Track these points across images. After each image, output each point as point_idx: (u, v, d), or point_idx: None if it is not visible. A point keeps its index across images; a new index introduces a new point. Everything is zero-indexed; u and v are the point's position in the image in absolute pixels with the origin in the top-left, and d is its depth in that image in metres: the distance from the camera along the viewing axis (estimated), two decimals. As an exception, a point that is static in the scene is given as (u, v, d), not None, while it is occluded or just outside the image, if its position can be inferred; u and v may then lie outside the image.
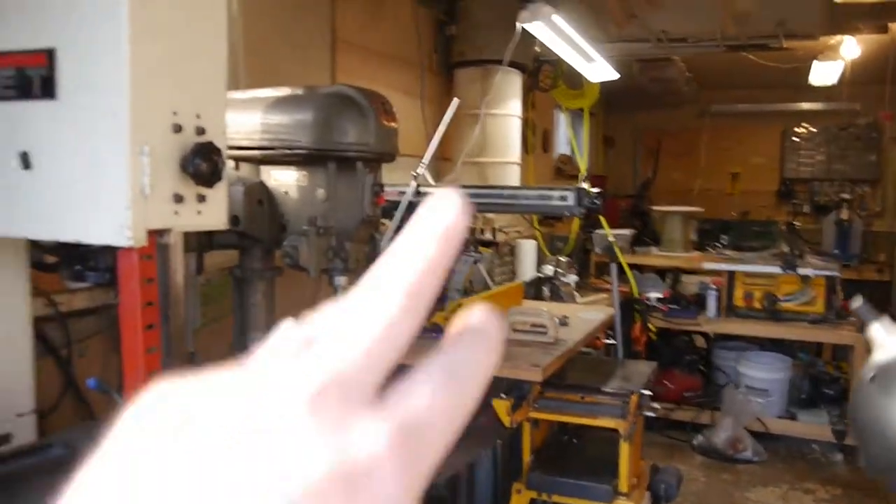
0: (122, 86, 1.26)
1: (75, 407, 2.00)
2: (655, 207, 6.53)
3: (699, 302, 5.35)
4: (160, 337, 1.35)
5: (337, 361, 0.25)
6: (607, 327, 3.72)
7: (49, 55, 1.35)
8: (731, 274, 5.23)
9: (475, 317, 0.29)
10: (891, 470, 0.45)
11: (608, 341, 3.92)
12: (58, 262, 1.68)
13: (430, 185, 3.17)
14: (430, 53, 4.57)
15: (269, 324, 2.36)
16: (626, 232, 5.79)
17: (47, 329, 2.00)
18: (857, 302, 0.53)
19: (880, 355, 0.48)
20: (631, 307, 5.11)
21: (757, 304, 5.09)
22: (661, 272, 5.92)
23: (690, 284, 5.83)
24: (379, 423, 0.25)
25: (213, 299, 2.52)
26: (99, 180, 1.29)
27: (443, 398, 0.27)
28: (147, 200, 1.29)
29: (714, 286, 5.22)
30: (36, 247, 1.67)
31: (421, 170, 3.08)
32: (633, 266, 5.61)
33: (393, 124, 2.25)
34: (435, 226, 0.28)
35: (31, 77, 1.37)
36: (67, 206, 1.32)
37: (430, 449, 0.26)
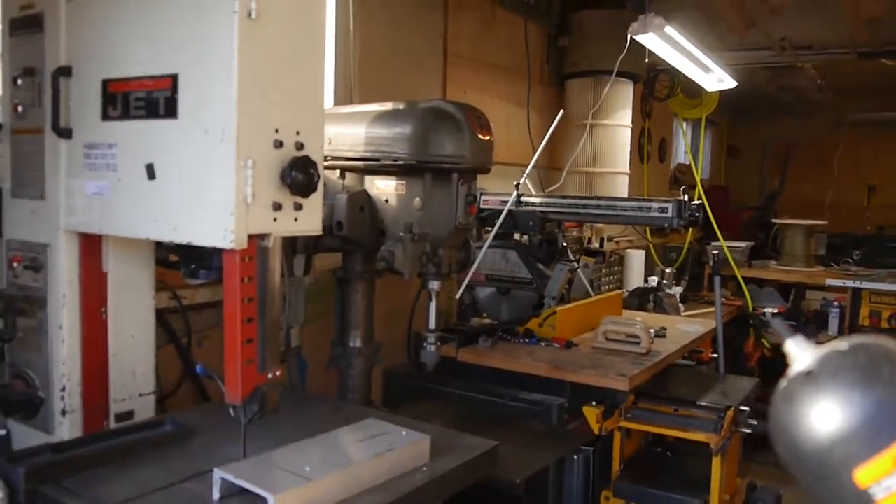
0: (231, 107, 1.43)
1: (193, 390, 2.23)
2: (776, 220, 6.28)
3: (820, 319, 5.12)
4: (257, 329, 1.52)
5: None
6: (711, 341, 3.66)
7: (173, 80, 1.55)
8: (857, 291, 4.99)
9: None
10: (791, 468, 0.52)
11: (714, 355, 3.85)
12: (178, 260, 1.89)
13: (531, 195, 3.25)
14: (540, 65, 4.64)
15: (368, 322, 2.52)
16: (743, 244, 5.62)
17: (172, 320, 2.25)
18: (775, 321, 0.59)
19: (792, 370, 0.54)
20: (745, 322, 4.96)
21: (884, 325, 4.83)
22: (785, 287, 5.70)
23: (813, 301, 5.59)
24: None
25: (319, 298, 2.71)
26: (209, 189, 1.47)
27: None
28: (249, 208, 1.45)
29: (837, 303, 4.99)
30: (161, 247, 1.89)
31: (522, 179, 3.16)
32: (752, 280, 5.44)
33: (488, 137, 2.34)
34: None
35: (158, 99, 1.58)
36: (182, 211, 1.52)
37: None
